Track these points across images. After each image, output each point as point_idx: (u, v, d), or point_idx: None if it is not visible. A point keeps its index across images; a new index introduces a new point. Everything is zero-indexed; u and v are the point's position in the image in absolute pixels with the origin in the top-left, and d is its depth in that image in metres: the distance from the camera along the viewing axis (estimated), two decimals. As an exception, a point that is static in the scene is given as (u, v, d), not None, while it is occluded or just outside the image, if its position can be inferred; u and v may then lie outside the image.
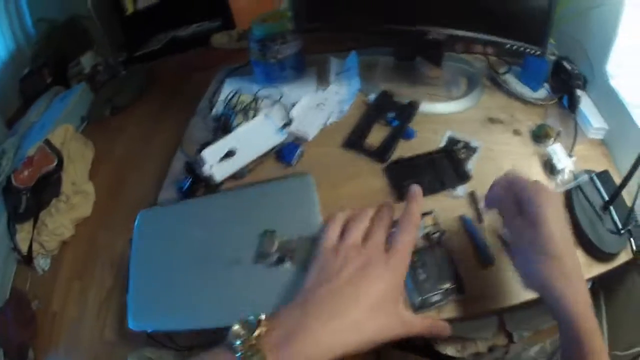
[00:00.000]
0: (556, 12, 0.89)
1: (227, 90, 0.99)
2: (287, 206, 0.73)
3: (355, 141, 0.87)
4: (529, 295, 0.68)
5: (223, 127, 0.92)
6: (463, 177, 0.83)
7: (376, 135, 0.89)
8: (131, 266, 0.69)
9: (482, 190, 0.80)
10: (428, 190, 0.80)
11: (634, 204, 0.73)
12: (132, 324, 0.64)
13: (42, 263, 1.14)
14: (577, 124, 0.96)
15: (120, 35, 1.44)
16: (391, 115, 0.91)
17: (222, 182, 0.83)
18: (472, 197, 0.81)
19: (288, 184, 0.77)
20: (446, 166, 0.85)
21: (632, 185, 0.74)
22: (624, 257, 0.78)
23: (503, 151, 0.92)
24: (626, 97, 0.73)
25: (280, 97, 0.94)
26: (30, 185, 1.20)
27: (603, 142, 0.97)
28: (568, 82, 1.00)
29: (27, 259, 1.13)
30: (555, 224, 0.52)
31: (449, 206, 0.80)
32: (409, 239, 0.51)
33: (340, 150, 0.87)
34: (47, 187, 1.20)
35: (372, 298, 0.45)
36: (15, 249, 1.14)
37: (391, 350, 0.93)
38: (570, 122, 0.97)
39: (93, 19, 1.41)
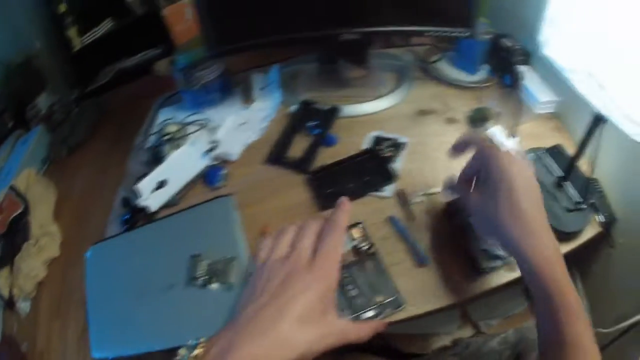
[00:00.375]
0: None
1: (161, 120, 1.00)
2: (211, 228, 0.76)
3: (277, 155, 0.88)
4: (470, 292, 0.70)
5: (155, 158, 0.93)
6: (389, 177, 0.83)
7: (298, 147, 0.90)
8: (87, 299, 0.74)
9: (412, 188, 0.82)
10: (353, 195, 0.80)
11: (591, 174, 0.72)
12: (95, 353, 0.67)
13: (23, 306, 1.18)
14: (522, 101, 0.94)
15: (70, 72, 1.46)
16: (312, 124, 0.92)
17: (157, 212, 0.85)
18: (401, 196, 0.81)
19: (210, 207, 0.79)
20: (370, 168, 0.85)
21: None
22: (589, 232, 0.77)
23: (436, 142, 0.91)
24: (562, 63, 0.72)
25: (206, 122, 0.95)
26: (3, 231, 1.24)
27: (555, 116, 0.95)
28: (508, 60, 0.97)
29: (10, 304, 1.17)
30: (523, 194, 0.54)
31: (377, 208, 0.80)
32: (333, 243, 0.51)
33: (263, 167, 0.88)
34: (18, 232, 1.24)
35: (298, 310, 0.45)
36: None
37: (353, 352, 0.93)
38: (513, 100, 0.95)
39: (45, 59, 1.43)
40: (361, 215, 0.79)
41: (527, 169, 0.57)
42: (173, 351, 0.65)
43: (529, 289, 0.53)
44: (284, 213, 0.80)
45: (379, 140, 0.90)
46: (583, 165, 0.78)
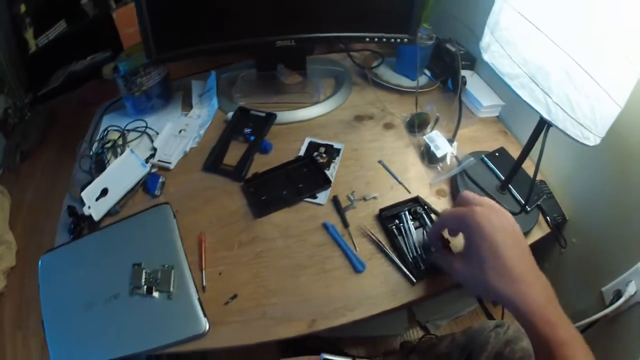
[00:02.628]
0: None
1: (103, 127, 1.01)
2: (150, 237, 0.79)
3: (213, 163, 0.90)
4: (410, 296, 0.72)
5: (97, 166, 0.94)
6: (322, 183, 0.85)
7: (234, 154, 0.92)
8: (43, 311, 0.75)
9: (346, 193, 0.84)
10: (287, 203, 0.83)
11: (534, 177, 0.72)
12: None
13: None
14: (465, 105, 0.97)
15: (25, 74, 1.45)
16: (248, 130, 0.93)
17: (100, 221, 0.86)
18: (335, 202, 0.84)
19: (149, 216, 0.81)
20: (304, 174, 0.87)
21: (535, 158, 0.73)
22: (537, 233, 0.81)
23: (371, 148, 0.94)
24: (503, 69, 0.74)
25: (145, 129, 0.97)
26: (-40, 244, 1.24)
27: (500, 120, 0.98)
28: (451, 65, 1.00)
29: None
30: (507, 248, 0.57)
31: (312, 215, 0.83)
32: None
33: (200, 175, 0.90)
34: (-26, 244, 1.24)
35: None
36: None
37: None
38: (453, 105, 0.96)
39: (1, 62, 1.42)
40: (295, 222, 0.81)
41: (507, 219, 0.59)
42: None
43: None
44: (220, 221, 0.82)
45: (314, 147, 0.92)
46: (529, 167, 0.81)
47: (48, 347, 0.70)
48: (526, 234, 0.78)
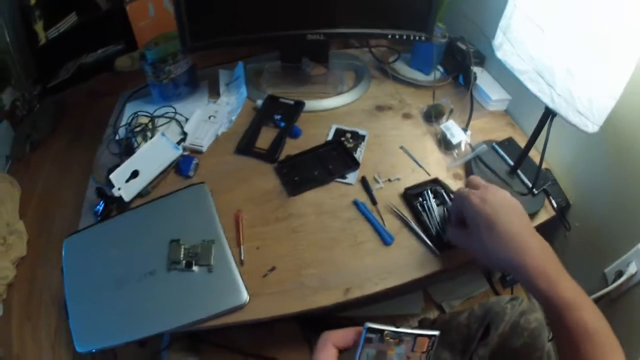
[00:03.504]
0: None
1: (128, 114, 1.03)
2: (188, 214, 0.81)
3: (245, 146, 0.94)
4: (433, 268, 0.77)
5: (126, 150, 0.96)
6: (351, 164, 0.91)
7: (265, 138, 0.96)
8: (66, 292, 0.74)
9: (372, 174, 0.90)
10: (319, 182, 0.88)
11: (541, 163, 0.79)
12: (79, 347, 0.68)
13: None
14: (475, 99, 1.04)
15: (34, 67, 1.44)
16: (278, 117, 0.98)
17: (131, 201, 0.88)
18: (363, 182, 0.89)
19: (185, 194, 0.83)
20: (334, 157, 0.92)
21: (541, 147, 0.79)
22: (543, 216, 0.86)
23: (393, 135, 1.00)
24: (513, 65, 0.80)
25: (175, 115, 0.99)
26: (-30, 235, 1.21)
27: (508, 113, 1.05)
28: (462, 61, 1.07)
29: None
30: (501, 215, 0.61)
31: (342, 194, 0.87)
32: None
33: (233, 157, 0.93)
34: (-16, 235, 1.22)
35: None
36: None
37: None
38: (466, 99, 1.03)
39: (10, 53, 1.40)
40: (327, 200, 0.86)
41: (502, 194, 0.65)
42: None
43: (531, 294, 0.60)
44: (255, 200, 0.86)
45: (340, 133, 0.98)
46: (535, 156, 0.87)
47: (71, 330, 0.70)
48: (533, 215, 0.84)
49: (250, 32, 0.97)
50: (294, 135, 0.96)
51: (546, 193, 0.88)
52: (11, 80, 1.44)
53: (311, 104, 1.02)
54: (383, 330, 0.44)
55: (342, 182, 0.89)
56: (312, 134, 0.97)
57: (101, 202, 0.88)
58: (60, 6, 1.45)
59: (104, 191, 0.89)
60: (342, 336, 0.47)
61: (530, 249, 0.58)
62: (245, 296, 0.70)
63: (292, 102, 1.02)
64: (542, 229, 0.82)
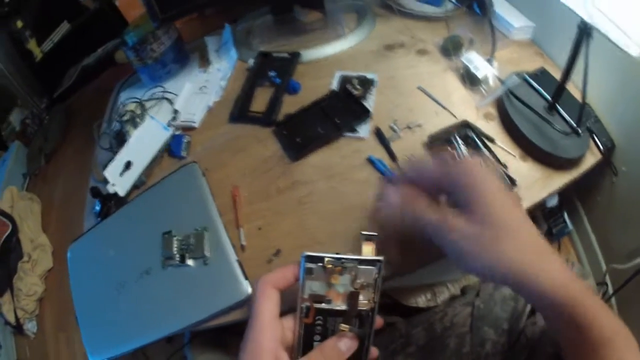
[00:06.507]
0: None
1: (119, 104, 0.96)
2: (178, 201, 0.71)
3: (239, 112, 0.83)
4: None
5: (119, 141, 0.89)
6: (361, 114, 0.77)
7: (261, 100, 0.85)
8: (74, 301, 0.69)
9: (388, 123, 0.76)
10: (325, 140, 0.75)
11: (584, 95, 0.63)
12: (92, 357, 0.64)
13: (30, 327, 1.17)
14: (496, 28, 0.88)
15: (36, 82, 1.44)
16: (273, 74, 0.86)
17: (128, 195, 0.80)
18: (378, 134, 0.75)
19: (174, 178, 0.74)
20: (339, 109, 0.79)
21: (577, 80, 0.64)
22: (590, 160, 0.70)
23: (408, 75, 0.85)
24: None
25: (163, 93, 0.90)
26: (-4, 256, 1.22)
27: (534, 42, 0.89)
28: None
29: (18, 327, 1.15)
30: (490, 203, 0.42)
31: (354, 150, 0.74)
32: None
33: (227, 127, 0.83)
34: (11, 254, 1.22)
35: None
36: (6, 322, 1.16)
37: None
38: (485, 28, 0.88)
39: (8, 77, 1.41)
40: (337, 160, 0.73)
41: (493, 175, 0.44)
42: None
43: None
44: (254, 171, 0.75)
45: (346, 80, 0.84)
46: (571, 89, 0.72)
47: (83, 341, 0.65)
48: (579, 159, 0.69)
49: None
50: (292, 91, 0.84)
51: (590, 132, 0.72)
52: (17, 101, 1.45)
53: (309, 53, 0.90)
54: (322, 258, 0.42)
55: (353, 137, 0.75)
56: (314, 86, 0.84)
57: (97, 202, 0.82)
58: (49, 19, 1.44)
59: (99, 190, 0.83)
60: (281, 275, 0.43)
61: (554, 266, 0.40)
62: (246, 290, 0.59)
63: (287, 55, 0.90)
64: (586, 176, 0.68)
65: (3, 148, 1.45)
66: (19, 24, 1.41)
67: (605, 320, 0.38)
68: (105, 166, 0.83)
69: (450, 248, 0.42)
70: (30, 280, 1.19)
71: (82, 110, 1.41)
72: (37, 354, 1.10)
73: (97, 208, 0.81)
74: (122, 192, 0.79)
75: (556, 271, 0.39)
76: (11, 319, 1.16)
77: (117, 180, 0.80)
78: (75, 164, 1.28)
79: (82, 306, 0.68)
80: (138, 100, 0.92)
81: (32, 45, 1.44)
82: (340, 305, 0.43)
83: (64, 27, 1.45)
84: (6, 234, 1.23)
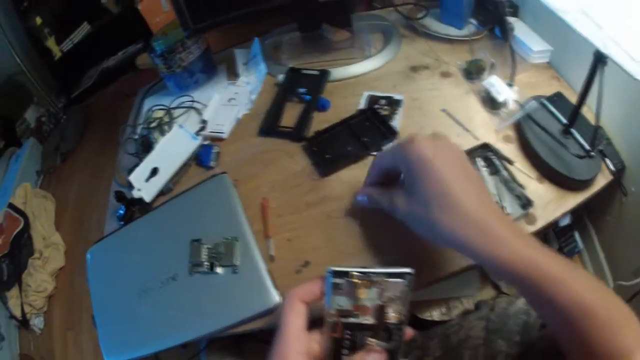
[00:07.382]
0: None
1: (146, 109, 0.97)
2: (209, 210, 0.72)
3: (269, 126, 0.85)
4: None
5: (145, 148, 0.90)
6: (388, 135, 0.79)
7: (290, 115, 0.86)
8: (93, 303, 0.70)
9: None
10: (353, 159, 0.77)
11: (597, 120, 0.65)
12: (107, 358, 0.65)
13: (37, 323, 1.17)
14: (516, 52, 0.91)
15: (54, 81, 1.44)
16: (302, 90, 0.88)
17: (153, 201, 0.81)
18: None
19: (205, 188, 0.75)
20: (368, 127, 0.81)
21: (590, 102, 0.67)
22: (601, 181, 0.73)
23: (432, 96, 0.87)
24: (555, 5, 0.67)
25: (192, 103, 0.92)
26: (6, 251, 1.22)
27: (551, 65, 0.91)
28: (495, 12, 0.94)
29: (24, 323, 1.16)
30: (453, 178, 0.46)
31: (382, 168, 0.76)
32: None
33: (257, 140, 0.84)
34: (22, 249, 1.23)
35: None
36: (11, 316, 1.16)
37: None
38: (506, 52, 0.91)
39: (25, 73, 1.42)
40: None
41: (453, 147, 0.49)
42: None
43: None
44: (283, 184, 0.76)
45: (374, 100, 0.86)
46: (586, 113, 0.75)
47: (99, 342, 0.66)
48: (592, 180, 0.71)
49: (254, 3, 0.87)
50: (322, 108, 0.86)
51: (602, 154, 0.74)
52: (33, 98, 1.45)
53: (338, 72, 0.92)
54: (348, 272, 0.41)
55: (380, 156, 0.77)
56: (342, 105, 0.86)
57: (121, 206, 0.83)
58: (70, 19, 1.45)
59: (124, 194, 0.84)
60: (308, 289, 0.43)
61: (503, 236, 0.44)
62: (275, 298, 0.61)
63: (316, 72, 0.92)
64: (596, 196, 0.71)
65: (17, 144, 1.45)
66: (38, 20, 1.41)
67: (549, 264, 0.41)
68: (130, 171, 0.84)
69: (405, 225, 0.49)
70: (40, 277, 1.19)
71: (101, 113, 1.41)
72: (42, 350, 1.10)
73: (121, 212, 0.82)
74: (147, 198, 0.80)
75: (481, 238, 0.43)
76: (17, 313, 1.16)
77: (143, 185, 0.81)
78: (92, 165, 1.29)
79: (101, 308, 0.70)
80: (166, 108, 0.93)
81: (50, 43, 1.45)
82: (368, 320, 0.43)
83: (85, 28, 1.46)
84: (18, 229, 1.24)
